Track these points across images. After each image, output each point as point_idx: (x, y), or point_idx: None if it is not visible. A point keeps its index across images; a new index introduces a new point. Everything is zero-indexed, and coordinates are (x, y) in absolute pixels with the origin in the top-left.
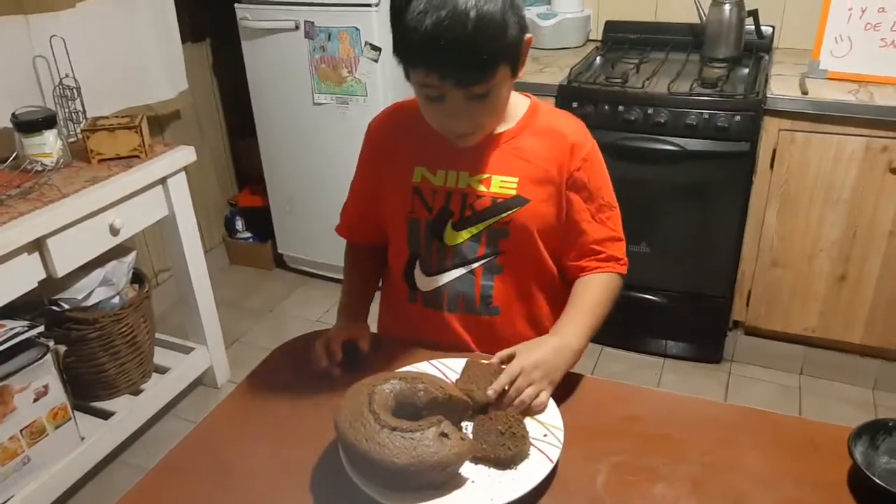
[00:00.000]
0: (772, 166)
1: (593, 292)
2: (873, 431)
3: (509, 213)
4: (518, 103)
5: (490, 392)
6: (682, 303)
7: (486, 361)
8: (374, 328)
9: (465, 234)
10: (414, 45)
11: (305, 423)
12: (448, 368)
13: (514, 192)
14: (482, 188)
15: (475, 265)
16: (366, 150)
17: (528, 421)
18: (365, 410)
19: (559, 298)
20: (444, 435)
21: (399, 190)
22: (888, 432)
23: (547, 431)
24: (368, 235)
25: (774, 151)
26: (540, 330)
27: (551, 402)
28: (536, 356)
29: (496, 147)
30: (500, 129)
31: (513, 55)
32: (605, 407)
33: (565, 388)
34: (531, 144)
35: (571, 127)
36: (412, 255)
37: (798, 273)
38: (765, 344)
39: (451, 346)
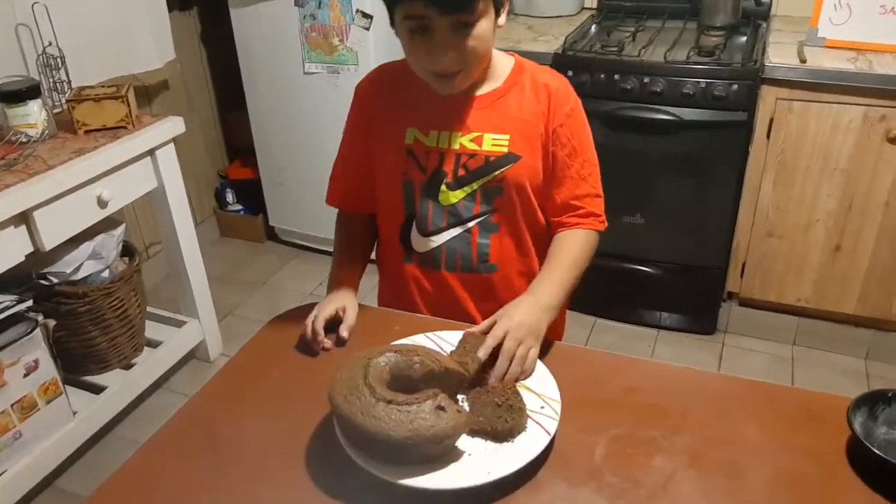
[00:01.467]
0: (768, 136)
1: (570, 249)
2: (872, 402)
3: (502, 170)
4: (503, 62)
5: (480, 353)
6: (677, 274)
7: (480, 333)
8: (371, 300)
9: (459, 194)
10: None
11: (299, 397)
12: (444, 341)
13: (506, 150)
14: (474, 147)
15: (471, 224)
16: (354, 113)
17: (524, 393)
18: (360, 383)
19: None
20: (440, 408)
21: (392, 152)
22: (887, 403)
23: (544, 403)
24: (360, 202)
25: (771, 121)
26: None
27: (548, 374)
28: (518, 317)
29: (486, 106)
30: (488, 87)
31: None
32: (602, 378)
33: (561, 359)
34: (519, 101)
35: (556, 83)
36: (408, 216)
37: (793, 244)
38: (759, 315)
39: (449, 306)
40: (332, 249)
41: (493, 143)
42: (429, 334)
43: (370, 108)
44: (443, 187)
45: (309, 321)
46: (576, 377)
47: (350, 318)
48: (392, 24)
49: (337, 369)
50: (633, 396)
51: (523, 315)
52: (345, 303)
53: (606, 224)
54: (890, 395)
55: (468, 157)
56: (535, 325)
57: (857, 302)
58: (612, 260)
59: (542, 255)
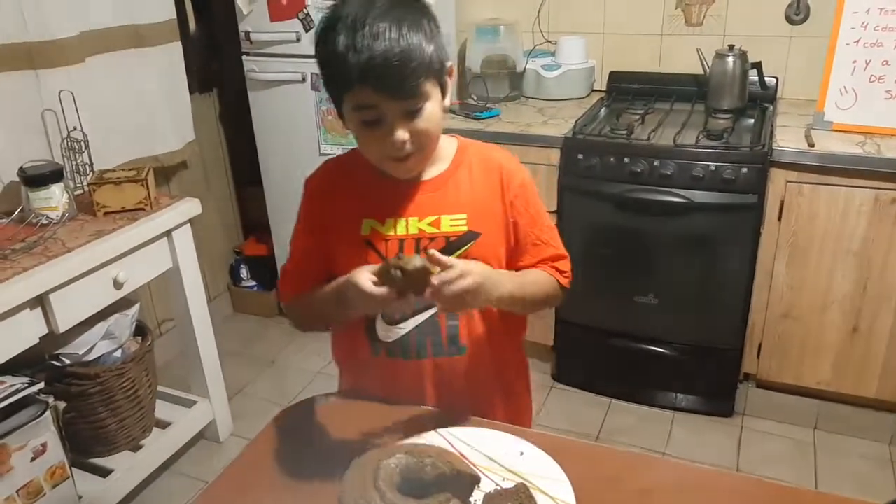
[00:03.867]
0: (780, 218)
1: (534, 274)
2: None
3: (464, 248)
4: (446, 144)
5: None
6: (692, 355)
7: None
8: (333, 387)
9: None
10: (349, 66)
11: (307, 499)
12: (456, 438)
13: (465, 228)
14: (433, 230)
15: (437, 307)
16: (307, 207)
17: (539, 497)
18: (370, 487)
19: (521, 329)
20: None
21: (349, 245)
22: None
23: None
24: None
25: (782, 203)
26: (507, 364)
27: (563, 475)
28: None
29: (438, 188)
30: (436, 170)
31: (439, 73)
32: (618, 480)
33: (575, 457)
34: (469, 179)
35: (504, 157)
36: None
37: (809, 325)
38: (777, 397)
39: (417, 396)
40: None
41: (452, 223)
42: (441, 431)
43: (321, 204)
44: None
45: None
46: (590, 477)
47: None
48: (340, 115)
49: (347, 467)
50: (649, 499)
51: (480, 267)
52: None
53: (570, 280)
54: None
55: (429, 240)
56: (488, 278)
57: (877, 385)
58: (626, 340)
59: (512, 331)
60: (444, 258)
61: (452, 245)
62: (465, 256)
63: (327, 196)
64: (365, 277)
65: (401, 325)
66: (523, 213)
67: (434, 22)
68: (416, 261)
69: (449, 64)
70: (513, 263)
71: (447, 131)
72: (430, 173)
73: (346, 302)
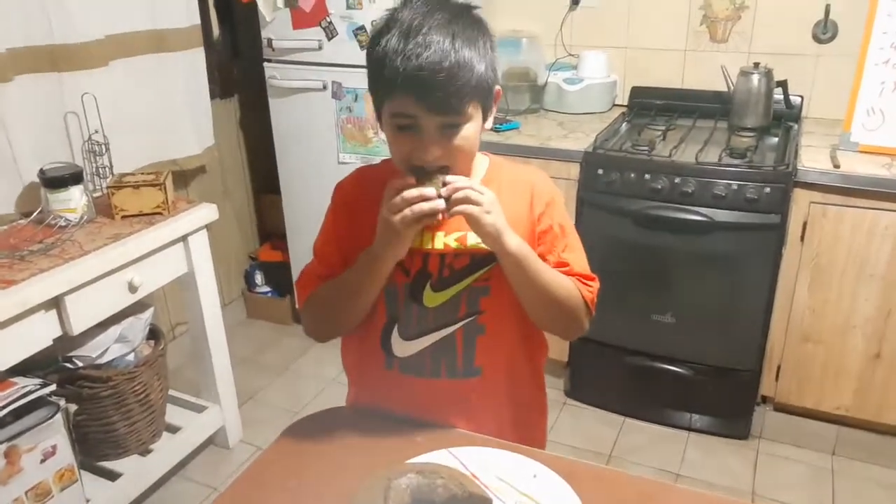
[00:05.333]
0: (802, 239)
1: (560, 275)
2: None
3: (489, 268)
4: (479, 161)
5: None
6: (708, 375)
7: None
8: (342, 399)
9: (444, 295)
10: (396, 71)
11: None
12: (468, 459)
13: None
14: (459, 246)
15: (456, 326)
16: (334, 213)
17: None
18: None
19: (541, 353)
20: None
21: None
22: None
23: None
24: None
25: (805, 224)
26: (523, 389)
27: (577, 500)
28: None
29: None
30: None
31: (484, 96)
32: None
33: (590, 482)
34: (500, 197)
35: (536, 176)
36: (390, 319)
37: (830, 349)
38: (795, 421)
39: (428, 414)
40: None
41: (478, 240)
42: (452, 450)
43: (348, 211)
44: (427, 289)
45: (409, 209)
46: (603, 502)
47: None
48: (378, 118)
49: (356, 485)
50: None
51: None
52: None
53: (595, 302)
54: None
55: (453, 256)
56: (502, 220)
57: None
58: (642, 358)
59: (531, 358)
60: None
61: (477, 263)
62: (489, 276)
63: (355, 203)
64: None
65: (417, 342)
66: (550, 232)
67: (490, 42)
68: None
69: (497, 88)
70: None
71: (493, 150)
72: None
73: (373, 256)
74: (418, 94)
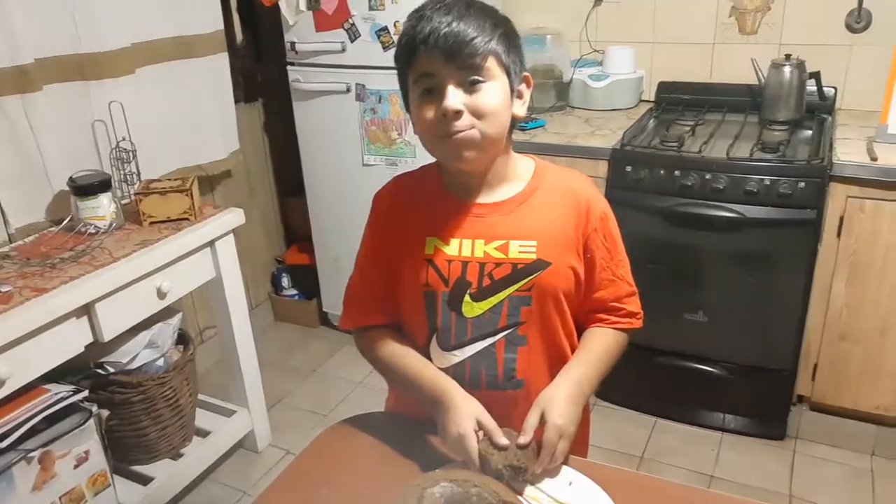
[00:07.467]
0: (839, 235)
1: (606, 342)
2: None
3: (531, 278)
4: (524, 165)
5: (522, 439)
6: (742, 375)
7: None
8: (375, 398)
9: (484, 305)
10: (416, 33)
11: None
12: None
13: (534, 256)
14: (500, 255)
15: (496, 337)
16: (373, 222)
17: None
18: None
19: None
20: None
21: (412, 263)
22: None
23: None
24: (384, 314)
25: (842, 219)
26: None
27: None
28: (561, 408)
29: (510, 211)
30: (510, 192)
31: (506, 61)
32: None
33: (627, 489)
34: (545, 204)
35: (585, 185)
36: (430, 329)
37: (868, 348)
38: (833, 421)
39: None
40: None
41: (521, 249)
42: None
43: (388, 219)
44: (466, 298)
45: (470, 454)
46: None
47: (490, 424)
48: (407, 107)
49: (389, 494)
50: None
51: (569, 408)
52: (472, 411)
53: (642, 317)
54: None
55: (494, 265)
56: (576, 416)
57: None
58: (674, 358)
59: None
60: (530, 434)
61: (519, 272)
62: (531, 286)
63: (394, 210)
64: (471, 436)
65: (456, 353)
66: (601, 248)
67: (512, 28)
68: (518, 458)
69: (525, 73)
70: (585, 297)
71: (518, 148)
72: (503, 195)
73: (429, 411)
74: (434, 46)
